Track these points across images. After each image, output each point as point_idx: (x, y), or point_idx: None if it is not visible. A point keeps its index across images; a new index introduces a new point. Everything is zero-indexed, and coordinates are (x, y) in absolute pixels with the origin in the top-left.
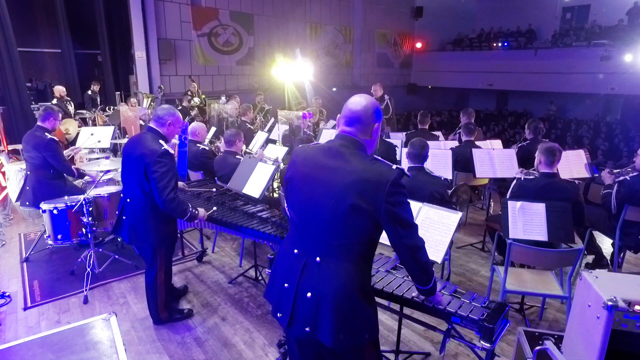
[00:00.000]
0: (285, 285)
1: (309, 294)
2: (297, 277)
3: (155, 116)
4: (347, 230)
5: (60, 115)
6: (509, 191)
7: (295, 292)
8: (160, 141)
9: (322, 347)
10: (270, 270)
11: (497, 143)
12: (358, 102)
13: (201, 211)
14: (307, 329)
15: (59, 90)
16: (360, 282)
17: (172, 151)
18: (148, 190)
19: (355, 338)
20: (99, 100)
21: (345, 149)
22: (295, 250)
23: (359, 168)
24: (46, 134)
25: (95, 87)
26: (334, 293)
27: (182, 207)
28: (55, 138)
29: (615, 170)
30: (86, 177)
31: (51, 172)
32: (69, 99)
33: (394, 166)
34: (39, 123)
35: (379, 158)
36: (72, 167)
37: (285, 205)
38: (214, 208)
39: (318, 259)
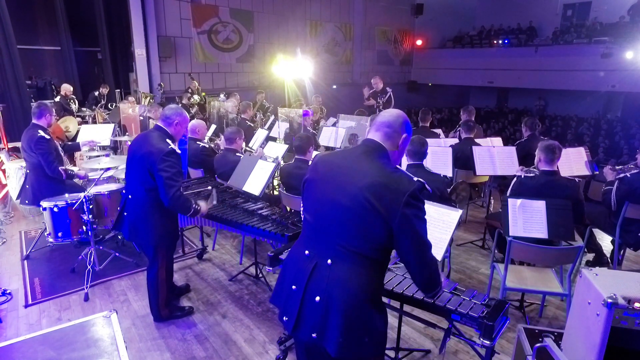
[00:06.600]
0: (293, 287)
1: (317, 298)
2: (306, 279)
3: (163, 115)
4: (360, 233)
5: (54, 109)
6: (509, 189)
7: (303, 295)
8: (167, 140)
9: (329, 357)
10: (270, 268)
11: (498, 140)
12: (390, 111)
13: (202, 205)
14: (313, 335)
15: (66, 88)
16: (372, 292)
17: (178, 150)
18: (150, 188)
19: (362, 350)
20: (103, 101)
21: (367, 155)
22: (307, 252)
23: (378, 173)
24: (39, 131)
25: (104, 90)
26: (344, 299)
27: (187, 204)
28: (47, 136)
29: (617, 167)
30: (75, 179)
31: None
32: (73, 97)
33: (416, 178)
34: (34, 121)
35: (401, 169)
36: (60, 168)
37: (295, 207)
38: (214, 198)
39: (329, 261)
